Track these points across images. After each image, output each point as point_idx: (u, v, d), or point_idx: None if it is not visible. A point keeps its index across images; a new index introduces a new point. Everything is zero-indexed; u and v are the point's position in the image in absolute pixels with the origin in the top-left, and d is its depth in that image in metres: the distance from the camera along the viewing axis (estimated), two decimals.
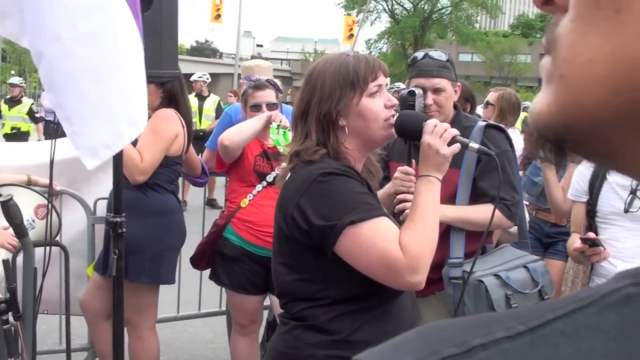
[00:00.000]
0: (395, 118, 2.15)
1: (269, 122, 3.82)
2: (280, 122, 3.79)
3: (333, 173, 1.98)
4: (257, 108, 3.92)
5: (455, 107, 3.10)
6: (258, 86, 3.97)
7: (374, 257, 1.91)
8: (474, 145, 2.25)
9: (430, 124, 2.20)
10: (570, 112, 0.46)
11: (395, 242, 1.93)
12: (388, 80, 2.32)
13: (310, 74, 2.14)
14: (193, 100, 11.20)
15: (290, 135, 3.63)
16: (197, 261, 3.98)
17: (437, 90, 2.97)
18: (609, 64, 0.43)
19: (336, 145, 2.07)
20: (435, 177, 2.13)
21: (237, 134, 3.78)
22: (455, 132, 2.19)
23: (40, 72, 2.36)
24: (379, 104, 2.10)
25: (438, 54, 3.04)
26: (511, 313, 0.40)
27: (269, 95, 3.94)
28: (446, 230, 2.87)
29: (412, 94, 2.80)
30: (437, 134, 2.16)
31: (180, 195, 4.27)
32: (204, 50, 77.99)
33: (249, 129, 3.79)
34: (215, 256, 3.90)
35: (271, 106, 3.91)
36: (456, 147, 2.17)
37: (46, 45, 2.31)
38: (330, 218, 1.93)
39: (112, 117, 2.39)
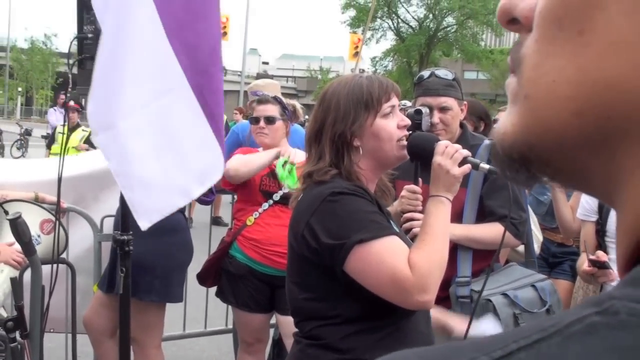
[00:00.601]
0: (407, 139, 2.16)
1: (277, 157, 3.83)
2: (288, 157, 3.80)
3: (342, 192, 1.99)
4: (255, 121, 3.94)
5: (461, 125, 3.11)
6: (260, 100, 4.01)
7: (383, 275, 1.92)
8: (485, 165, 2.25)
9: (441, 144, 2.21)
10: (534, 131, 0.46)
11: (404, 261, 1.93)
12: None
13: (323, 95, 2.16)
14: None
15: (296, 173, 3.65)
16: (204, 278, 3.97)
17: (443, 109, 2.98)
18: (571, 85, 0.43)
19: (349, 166, 2.08)
20: (445, 197, 2.14)
21: (243, 165, 3.79)
22: (466, 153, 2.20)
23: (99, 140, 2.63)
24: (392, 124, 2.12)
25: (444, 73, 3.05)
26: (474, 342, 0.39)
27: (269, 109, 3.94)
28: (453, 249, 2.86)
29: (418, 112, 2.81)
30: (448, 155, 2.17)
31: (186, 213, 4.27)
32: None
33: (256, 162, 3.80)
34: (222, 274, 3.90)
35: (269, 120, 3.90)
36: (467, 167, 2.18)
37: (120, 118, 2.59)
38: (339, 237, 1.94)
39: (167, 187, 2.72)
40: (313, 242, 1.98)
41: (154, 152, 2.64)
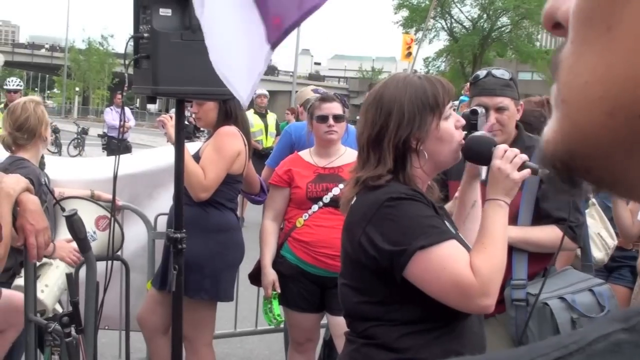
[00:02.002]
0: (464, 140, 2.14)
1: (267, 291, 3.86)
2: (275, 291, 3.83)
3: (400, 198, 1.97)
4: (323, 119, 3.84)
5: (517, 126, 3.05)
6: (325, 98, 3.95)
7: (445, 281, 1.92)
8: (545, 170, 2.20)
9: (500, 148, 2.17)
10: (573, 138, 0.44)
11: (466, 266, 1.93)
12: None
13: (379, 98, 2.09)
14: (256, 118, 11.04)
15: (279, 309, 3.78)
16: (256, 278, 3.98)
17: (500, 109, 2.93)
18: (603, 84, 0.41)
19: (410, 170, 2.05)
20: (503, 201, 2.12)
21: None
22: (525, 157, 2.16)
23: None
24: (453, 126, 2.10)
25: (501, 72, 3.00)
26: (488, 358, 0.37)
27: (335, 107, 3.88)
28: (509, 252, 2.81)
29: (474, 112, 2.76)
30: (508, 159, 2.14)
31: (238, 212, 4.29)
32: None
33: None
34: None
35: (337, 118, 3.86)
36: (526, 172, 2.14)
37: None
38: (398, 243, 1.92)
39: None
40: (371, 249, 1.96)
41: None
